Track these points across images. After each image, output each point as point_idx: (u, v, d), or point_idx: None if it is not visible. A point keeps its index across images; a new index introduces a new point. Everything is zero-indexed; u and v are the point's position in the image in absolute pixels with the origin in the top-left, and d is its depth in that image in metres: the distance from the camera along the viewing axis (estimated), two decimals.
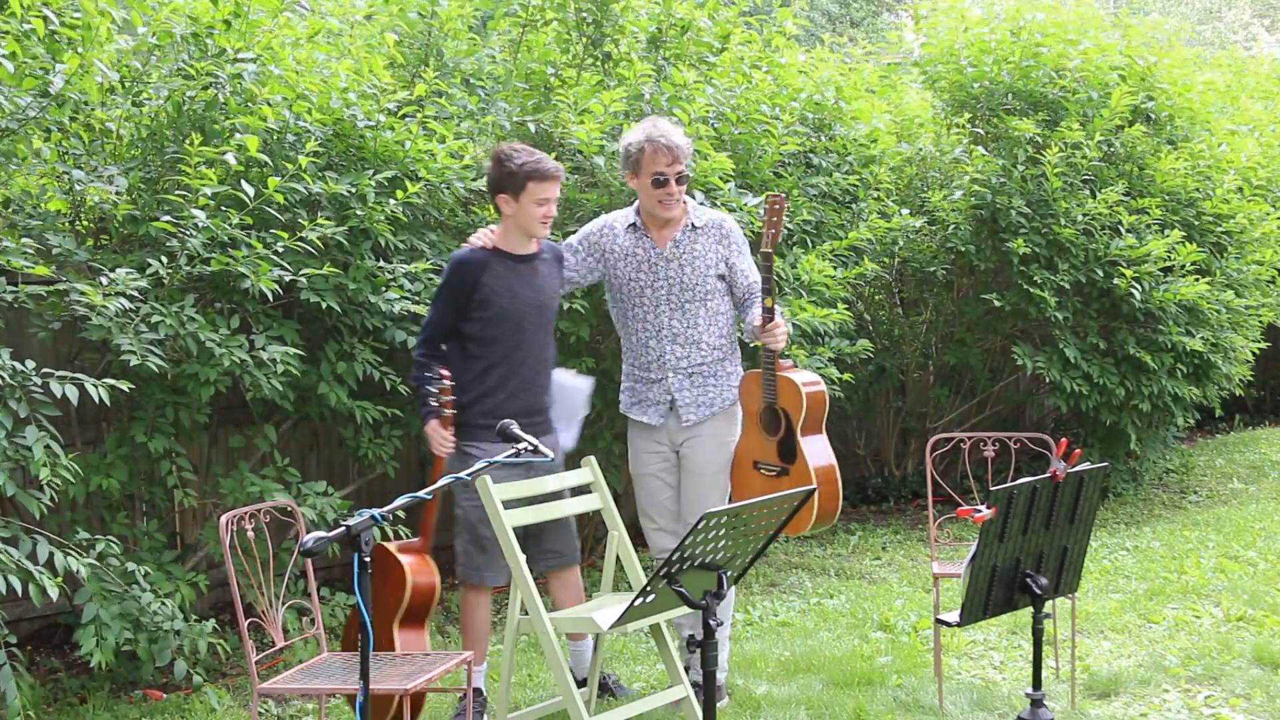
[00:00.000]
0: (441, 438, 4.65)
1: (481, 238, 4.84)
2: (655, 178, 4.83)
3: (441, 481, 3.57)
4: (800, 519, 4.85)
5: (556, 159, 6.10)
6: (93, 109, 5.10)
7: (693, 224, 4.95)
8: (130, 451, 5.28)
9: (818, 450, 4.87)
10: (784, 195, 4.93)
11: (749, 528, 3.35)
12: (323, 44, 6.00)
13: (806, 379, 4.89)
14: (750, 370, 5.00)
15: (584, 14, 6.66)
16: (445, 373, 4.63)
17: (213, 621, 5.24)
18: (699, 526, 3.19)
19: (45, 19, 4.71)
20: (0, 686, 4.47)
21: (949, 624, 3.91)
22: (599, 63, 6.78)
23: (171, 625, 4.94)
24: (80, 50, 4.81)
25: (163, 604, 4.94)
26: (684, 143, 4.86)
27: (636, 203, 5.01)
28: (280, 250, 5.15)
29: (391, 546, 4.69)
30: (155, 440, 5.23)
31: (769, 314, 4.74)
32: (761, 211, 4.90)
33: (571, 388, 5.02)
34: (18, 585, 4.26)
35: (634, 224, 4.98)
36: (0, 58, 4.53)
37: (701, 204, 5.59)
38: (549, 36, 6.76)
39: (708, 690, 3.34)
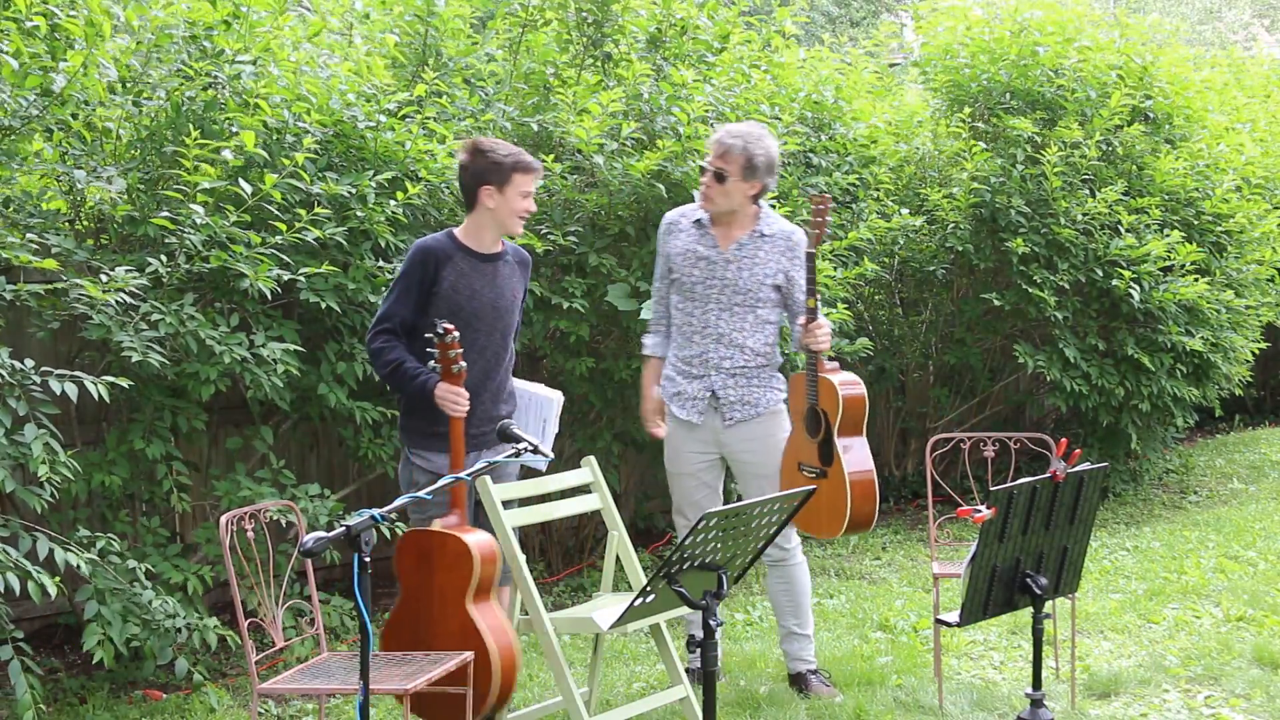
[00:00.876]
0: (455, 395, 4.36)
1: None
2: (700, 165, 4.90)
3: (441, 481, 3.57)
4: (832, 522, 4.85)
5: (555, 159, 6.12)
6: (94, 108, 5.10)
7: (761, 231, 4.95)
8: (130, 450, 5.28)
9: (855, 455, 4.85)
10: (829, 195, 4.94)
11: (749, 528, 3.35)
12: (324, 42, 5.99)
13: (844, 379, 4.87)
14: (798, 374, 4.99)
15: (584, 14, 6.66)
16: (449, 326, 4.32)
17: (215, 619, 5.23)
18: (699, 526, 3.19)
19: (48, 14, 4.70)
20: (10, 681, 4.47)
21: (949, 624, 3.91)
22: (598, 63, 6.78)
23: (173, 623, 4.93)
24: (83, 46, 4.80)
25: (164, 601, 4.94)
26: (740, 146, 4.78)
27: None
28: (280, 243, 5.15)
29: (436, 526, 4.37)
30: (153, 446, 5.23)
31: (812, 314, 4.78)
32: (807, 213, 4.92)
33: (540, 400, 4.87)
34: (15, 584, 4.26)
35: (701, 219, 4.97)
36: (4, 55, 4.53)
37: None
38: (548, 37, 6.76)
39: (707, 690, 3.34)
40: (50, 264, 4.69)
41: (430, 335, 4.34)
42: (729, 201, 4.88)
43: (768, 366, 5.01)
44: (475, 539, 4.30)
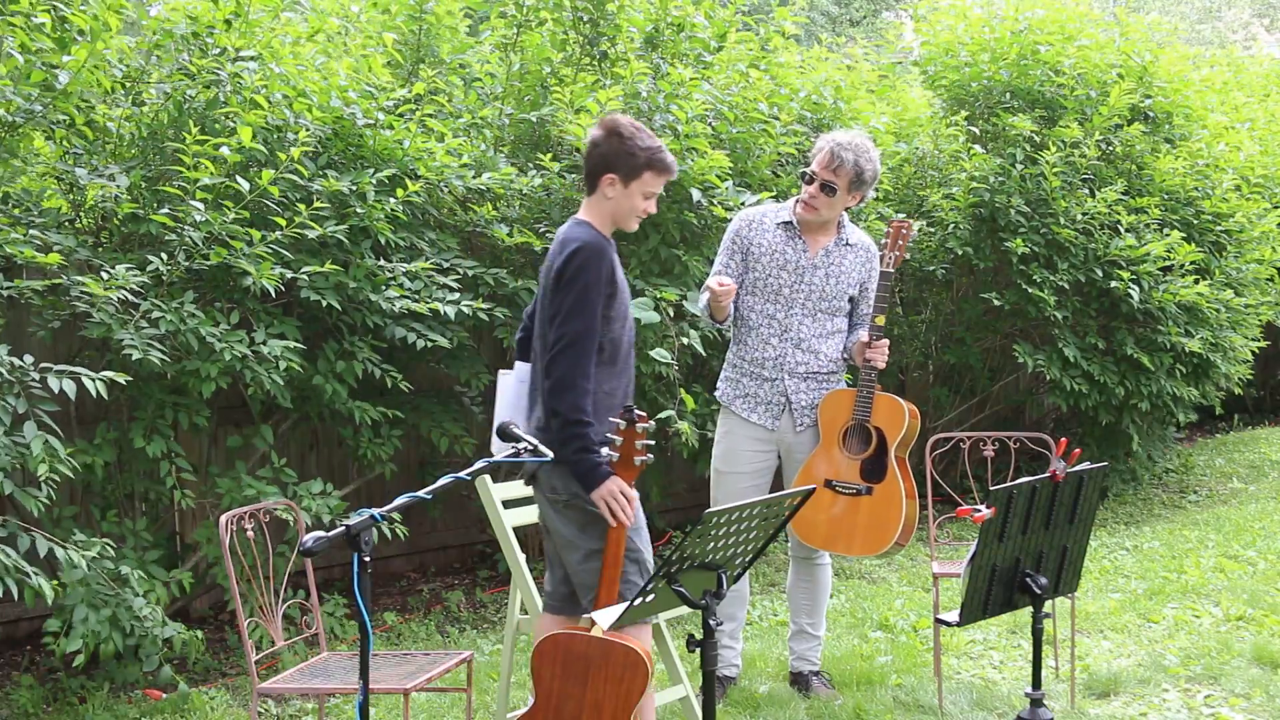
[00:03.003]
0: (628, 495, 3.79)
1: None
2: (805, 173, 4.85)
3: (441, 481, 3.45)
4: (870, 541, 4.80)
5: (553, 158, 6.12)
6: (95, 105, 5.09)
7: (847, 240, 4.93)
8: (126, 452, 5.26)
9: (908, 478, 4.83)
10: (909, 222, 4.95)
11: (749, 527, 3.34)
12: (323, 43, 5.99)
13: (911, 405, 4.86)
14: (836, 390, 4.93)
15: (580, 13, 6.66)
16: (642, 413, 3.80)
17: (181, 625, 5.21)
18: (698, 527, 3.19)
19: (54, 8, 4.69)
20: (11, 681, 4.47)
21: (949, 624, 3.90)
22: (595, 62, 6.78)
23: (161, 632, 4.93)
24: (88, 40, 4.78)
25: (153, 610, 4.93)
26: (850, 159, 4.72)
27: (794, 200, 4.97)
28: (279, 239, 5.14)
29: (585, 625, 3.91)
30: (154, 443, 5.22)
31: (879, 332, 4.78)
32: (888, 231, 4.90)
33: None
34: (14, 588, 4.25)
35: (789, 222, 4.91)
36: (10, 49, 4.52)
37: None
38: (543, 37, 6.75)
39: (707, 690, 3.34)
40: (55, 258, 4.67)
41: (619, 420, 3.79)
42: (832, 212, 4.85)
43: (836, 374, 4.98)
44: (644, 644, 3.86)
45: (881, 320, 4.79)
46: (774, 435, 4.94)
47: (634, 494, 3.82)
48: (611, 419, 3.81)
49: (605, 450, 3.77)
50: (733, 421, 4.99)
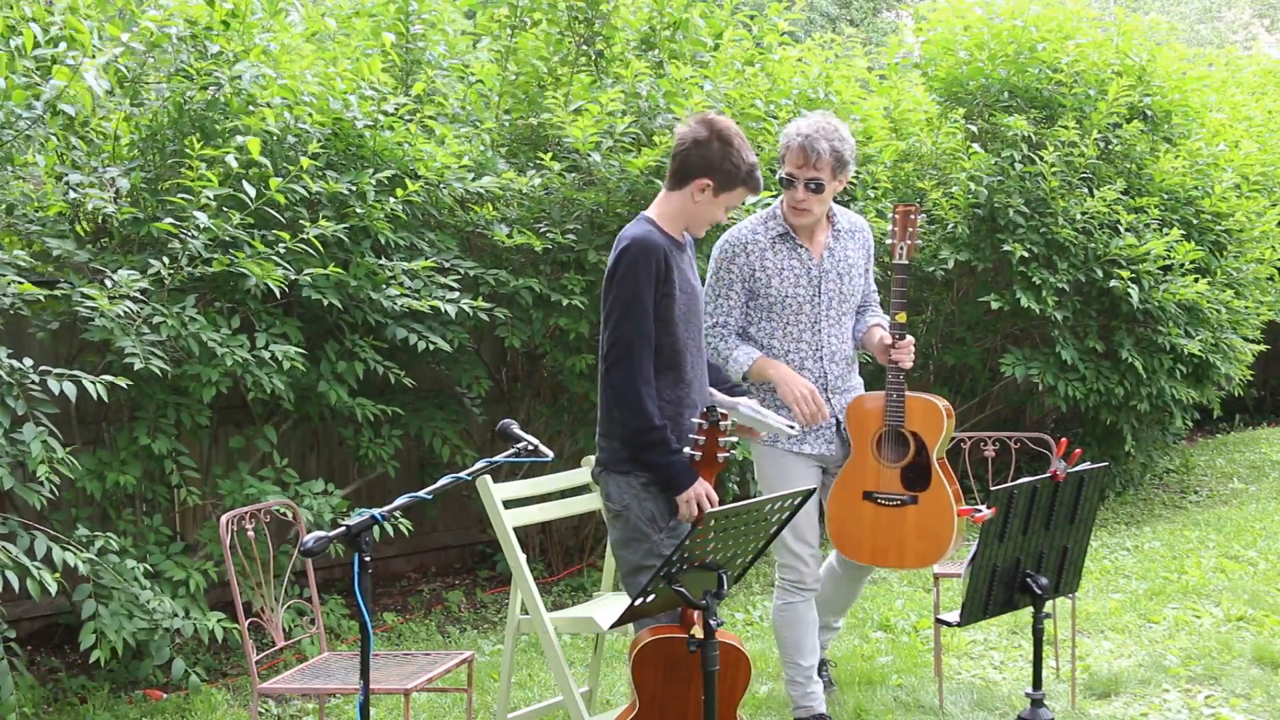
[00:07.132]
0: (709, 496, 3.75)
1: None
2: (784, 178, 4.43)
3: (441, 481, 3.45)
4: (923, 552, 4.51)
5: (552, 158, 6.12)
6: (87, 118, 5.07)
7: (840, 228, 4.57)
8: (135, 450, 5.27)
9: (953, 481, 4.52)
10: (914, 205, 4.60)
11: (749, 528, 3.34)
12: (320, 45, 5.99)
13: (944, 403, 4.55)
14: (859, 395, 4.59)
15: (575, 13, 6.66)
16: (724, 411, 3.70)
17: (218, 614, 5.21)
18: (698, 527, 3.19)
19: (34, 34, 4.68)
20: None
21: (949, 624, 3.90)
22: (591, 61, 6.78)
23: (171, 624, 4.93)
24: (70, 63, 4.76)
25: (162, 601, 4.93)
26: (826, 148, 4.34)
27: (775, 206, 4.59)
28: (282, 252, 5.14)
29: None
30: (159, 441, 5.23)
31: (901, 331, 4.47)
32: (893, 220, 4.56)
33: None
34: (15, 581, 4.25)
35: (785, 233, 4.50)
36: None
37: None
38: (537, 37, 6.74)
39: (707, 690, 3.34)
40: (43, 267, 4.62)
41: (700, 420, 3.68)
42: (823, 207, 4.47)
43: (852, 369, 4.69)
44: (740, 643, 3.84)
45: (903, 318, 4.44)
46: (822, 454, 4.60)
47: (715, 495, 3.77)
48: (694, 419, 3.72)
49: (687, 450, 3.70)
50: (779, 448, 4.56)
